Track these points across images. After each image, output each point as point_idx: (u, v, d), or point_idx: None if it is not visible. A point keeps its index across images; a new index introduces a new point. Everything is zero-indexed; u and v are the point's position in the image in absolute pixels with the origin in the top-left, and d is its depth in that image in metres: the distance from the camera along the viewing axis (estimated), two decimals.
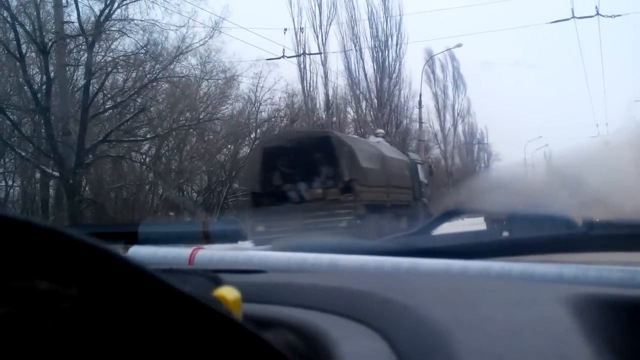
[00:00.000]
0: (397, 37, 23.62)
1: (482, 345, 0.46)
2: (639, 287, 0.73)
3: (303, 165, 12.29)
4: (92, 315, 0.28)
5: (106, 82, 16.55)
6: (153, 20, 16.19)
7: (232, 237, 1.08)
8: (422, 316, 0.52)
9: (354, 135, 17.39)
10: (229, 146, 23.27)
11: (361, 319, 0.56)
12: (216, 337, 0.32)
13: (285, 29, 20.88)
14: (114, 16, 15.44)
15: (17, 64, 14.02)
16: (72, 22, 15.18)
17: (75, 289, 0.27)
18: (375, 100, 22.87)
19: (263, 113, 25.45)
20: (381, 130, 18.94)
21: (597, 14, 21.59)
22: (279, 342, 0.42)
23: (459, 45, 26.86)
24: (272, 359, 0.35)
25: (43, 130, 14.55)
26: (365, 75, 22.75)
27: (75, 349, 0.28)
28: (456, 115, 36.79)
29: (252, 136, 24.65)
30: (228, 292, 0.44)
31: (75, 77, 16.58)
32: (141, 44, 16.38)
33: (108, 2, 14.91)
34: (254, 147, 15.25)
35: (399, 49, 23.67)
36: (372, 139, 16.43)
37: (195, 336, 0.31)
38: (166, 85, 18.50)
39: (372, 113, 23.04)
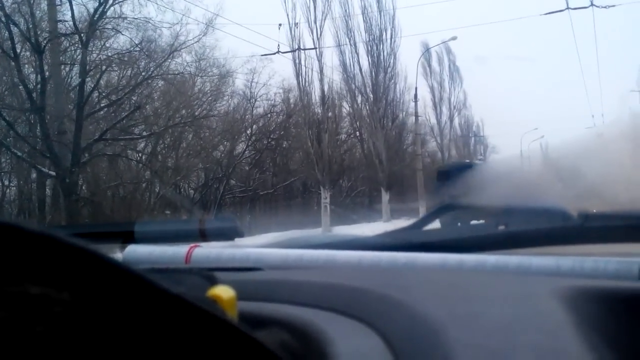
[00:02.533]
0: (392, 30, 23.44)
1: (477, 341, 0.46)
2: (635, 279, 0.73)
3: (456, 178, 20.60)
4: (84, 319, 0.28)
5: (101, 81, 16.52)
6: (147, 18, 16.17)
7: (229, 234, 1.08)
8: (417, 312, 0.53)
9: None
10: (225, 143, 23.25)
11: (357, 316, 0.56)
12: (209, 338, 0.32)
13: (280, 25, 20.76)
14: (107, 14, 15.41)
15: (12, 63, 13.97)
16: (67, 21, 15.18)
17: (66, 293, 0.27)
18: (371, 95, 22.73)
19: (259, 109, 25.47)
20: (482, 157, 32.82)
21: (592, 4, 21.49)
22: (272, 341, 0.42)
23: (454, 38, 26.79)
24: (265, 359, 0.35)
25: (38, 130, 14.53)
26: (361, 69, 22.59)
27: (67, 353, 0.28)
28: (452, 108, 36.62)
29: (248, 132, 24.66)
30: (223, 291, 0.44)
31: (70, 76, 16.55)
32: (135, 41, 16.36)
33: (102, 0, 14.88)
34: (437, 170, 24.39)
35: (394, 43, 23.50)
36: (477, 161, 25.94)
37: (188, 338, 0.31)
38: (161, 82, 18.48)
39: (367, 107, 22.94)
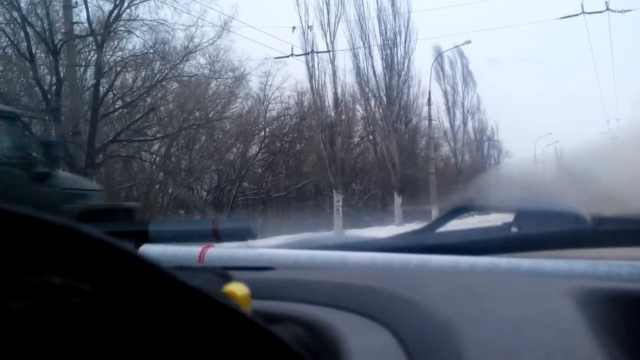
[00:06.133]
0: (406, 34, 23.39)
1: (487, 338, 0.47)
2: None
3: None
4: (104, 310, 0.28)
5: (116, 82, 16.65)
6: (162, 20, 16.28)
7: (241, 235, 1.08)
8: (429, 311, 0.53)
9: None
10: (238, 145, 23.31)
11: (369, 314, 0.56)
12: (226, 330, 0.33)
13: (294, 27, 20.77)
14: (123, 16, 15.53)
15: (28, 64, 14.10)
16: (82, 23, 15.30)
17: (87, 284, 0.28)
18: (384, 98, 22.67)
19: (272, 111, 25.52)
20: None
21: (607, 9, 21.38)
22: (287, 335, 0.43)
23: (468, 42, 26.72)
24: (280, 351, 0.36)
25: (53, 131, 14.63)
26: (374, 72, 22.52)
27: (87, 342, 0.28)
28: (466, 112, 36.35)
29: (261, 135, 24.72)
30: (237, 288, 0.44)
31: (85, 77, 16.66)
32: (150, 43, 16.47)
33: (117, 2, 14.99)
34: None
35: (408, 46, 23.43)
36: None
37: (205, 330, 0.32)
38: (175, 84, 18.58)
39: (380, 111, 22.89)
